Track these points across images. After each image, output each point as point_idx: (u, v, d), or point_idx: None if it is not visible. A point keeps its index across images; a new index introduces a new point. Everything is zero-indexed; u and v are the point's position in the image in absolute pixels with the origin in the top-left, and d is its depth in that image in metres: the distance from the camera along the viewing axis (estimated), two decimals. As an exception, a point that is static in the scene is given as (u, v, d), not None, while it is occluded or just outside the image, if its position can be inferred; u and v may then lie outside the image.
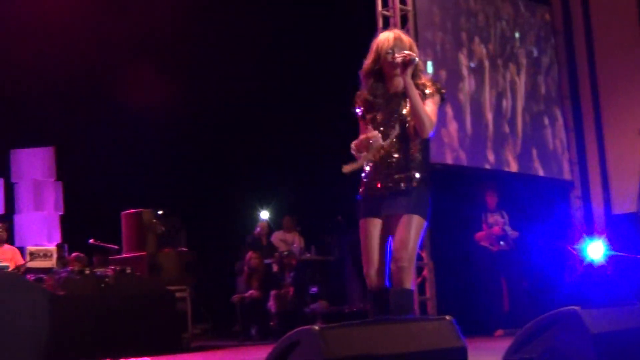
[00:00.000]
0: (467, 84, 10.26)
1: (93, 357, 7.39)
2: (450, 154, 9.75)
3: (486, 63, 10.68)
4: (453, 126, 9.82)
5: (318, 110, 11.87)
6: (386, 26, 9.55)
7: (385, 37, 4.34)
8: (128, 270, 8.66)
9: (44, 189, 13.08)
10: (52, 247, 9.26)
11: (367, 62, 4.37)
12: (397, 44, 4.27)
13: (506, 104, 10.86)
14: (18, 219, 12.87)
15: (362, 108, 4.38)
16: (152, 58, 12.26)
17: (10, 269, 8.33)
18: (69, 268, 8.59)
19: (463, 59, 10.29)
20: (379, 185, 4.22)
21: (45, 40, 12.19)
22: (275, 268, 11.14)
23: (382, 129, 4.22)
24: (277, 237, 11.90)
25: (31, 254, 8.45)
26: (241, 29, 12.08)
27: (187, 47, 12.63)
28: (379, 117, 4.28)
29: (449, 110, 9.76)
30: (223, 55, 12.30)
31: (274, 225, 12.92)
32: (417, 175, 4.21)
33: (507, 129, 10.78)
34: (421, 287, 9.31)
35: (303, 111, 12.08)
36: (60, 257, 10.55)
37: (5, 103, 12.18)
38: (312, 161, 11.97)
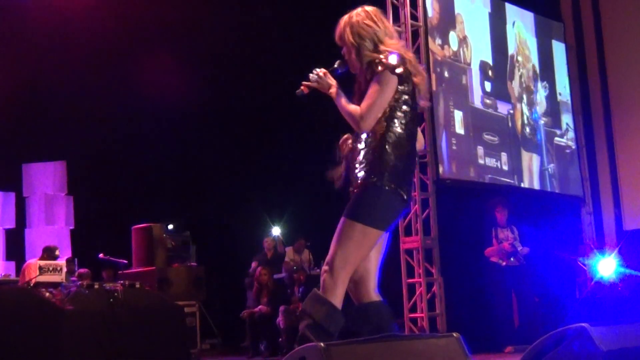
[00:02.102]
0: (479, 99, 10.25)
1: (102, 372, 7.37)
2: (461, 168, 9.72)
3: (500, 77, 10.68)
4: (462, 141, 9.81)
5: (332, 126, 11.84)
6: (396, 42, 9.55)
7: None
8: (137, 285, 8.63)
9: (55, 203, 13.13)
10: (61, 262, 9.25)
11: None
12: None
13: (519, 119, 10.84)
14: (29, 233, 12.91)
15: None
16: (163, 74, 12.28)
17: (19, 283, 8.32)
18: (78, 282, 8.58)
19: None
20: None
21: (56, 56, 12.25)
22: (285, 276, 11.11)
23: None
24: (287, 254, 11.89)
25: (40, 268, 8.44)
26: (255, 49, 12.11)
27: (200, 62, 12.66)
28: None
29: (457, 125, 9.75)
30: (235, 71, 12.33)
31: (286, 240, 12.91)
32: (362, 174, 3.78)
33: (517, 144, 10.75)
34: (431, 303, 9.27)
35: (316, 127, 12.09)
36: (70, 272, 10.57)
37: (17, 118, 12.25)
38: (324, 177, 11.93)
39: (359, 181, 3.78)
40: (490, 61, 10.59)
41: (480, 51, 10.43)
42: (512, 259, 9.11)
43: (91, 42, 12.29)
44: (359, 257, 3.75)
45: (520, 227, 9.28)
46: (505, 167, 10.38)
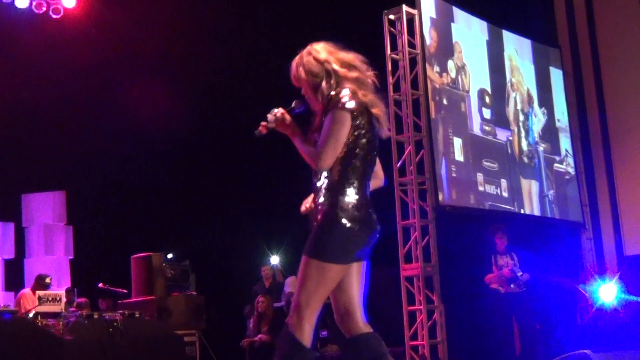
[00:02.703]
0: (478, 126, 10.28)
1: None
2: (460, 195, 9.73)
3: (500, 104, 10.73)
4: (461, 168, 9.82)
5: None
6: (395, 70, 9.61)
7: None
8: (137, 315, 8.60)
9: (54, 233, 13.10)
10: (60, 292, 9.22)
11: None
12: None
13: (517, 145, 10.86)
14: (28, 263, 12.87)
15: None
16: (161, 105, 12.32)
17: (19, 314, 8.28)
18: (78, 312, 8.54)
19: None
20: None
21: (55, 86, 12.30)
22: (285, 309, 11.06)
23: None
24: (289, 282, 11.84)
25: (40, 298, 8.41)
26: (252, 76, 12.16)
27: (198, 91, 12.70)
28: None
29: (456, 152, 9.77)
30: (235, 99, 12.38)
31: (285, 269, 12.88)
32: (321, 211, 3.77)
33: (517, 170, 10.77)
34: (432, 330, 9.23)
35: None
36: (69, 302, 10.53)
37: (17, 148, 12.26)
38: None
39: (318, 217, 3.77)
40: (488, 88, 10.64)
41: (478, 78, 10.49)
42: (512, 285, 9.08)
43: (90, 72, 12.34)
44: (322, 294, 3.71)
45: (520, 253, 9.26)
46: (505, 194, 10.39)
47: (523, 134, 11.05)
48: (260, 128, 4.00)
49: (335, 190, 3.74)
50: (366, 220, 3.74)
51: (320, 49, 3.96)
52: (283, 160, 12.96)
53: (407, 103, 9.51)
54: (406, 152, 9.46)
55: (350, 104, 3.74)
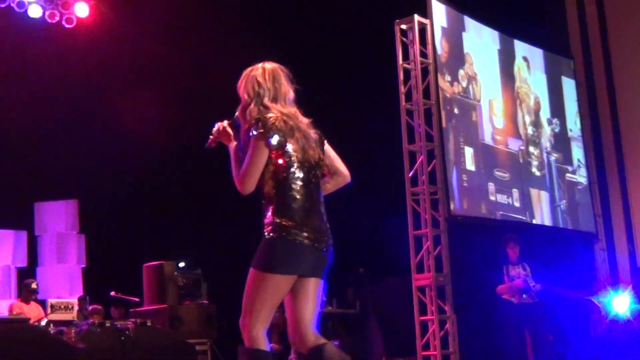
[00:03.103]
0: (489, 135, 10.27)
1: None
2: (472, 205, 9.71)
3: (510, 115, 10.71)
4: (473, 177, 9.81)
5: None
6: (407, 79, 9.61)
7: None
8: (149, 323, 8.62)
9: (66, 242, 13.14)
10: (73, 300, 9.27)
11: None
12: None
13: (530, 154, 10.84)
14: (41, 272, 12.91)
15: None
16: (170, 114, 12.36)
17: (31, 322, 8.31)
18: (90, 321, 8.56)
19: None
20: None
21: (67, 95, 12.36)
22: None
23: None
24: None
25: (52, 306, 8.46)
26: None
27: (207, 102, 12.73)
28: None
29: (468, 162, 9.76)
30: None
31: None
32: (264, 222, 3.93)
33: (528, 180, 10.74)
34: (444, 341, 9.20)
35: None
36: (81, 310, 10.56)
37: (29, 157, 12.32)
38: (334, 214, 11.93)
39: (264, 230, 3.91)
40: (499, 98, 10.63)
41: (489, 88, 10.48)
42: (524, 296, 9.04)
43: (102, 81, 12.41)
44: (268, 302, 3.81)
45: (533, 263, 9.22)
46: (517, 204, 10.36)
47: (533, 143, 11.03)
48: (209, 141, 4.12)
49: (271, 205, 3.88)
50: (304, 236, 3.83)
51: (268, 72, 4.01)
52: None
53: (419, 113, 9.50)
54: (418, 162, 9.45)
55: (271, 135, 3.81)
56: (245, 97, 3.98)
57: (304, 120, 4.01)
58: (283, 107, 3.93)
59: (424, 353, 9.19)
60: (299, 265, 3.83)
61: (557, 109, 11.64)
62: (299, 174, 3.89)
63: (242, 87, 4.01)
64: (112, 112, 12.54)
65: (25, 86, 12.03)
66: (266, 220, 3.88)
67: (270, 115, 3.86)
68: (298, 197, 3.87)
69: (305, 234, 3.83)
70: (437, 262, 9.29)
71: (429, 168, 9.42)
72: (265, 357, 3.79)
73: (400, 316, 10.15)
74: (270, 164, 3.86)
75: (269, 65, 4.05)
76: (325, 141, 4.11)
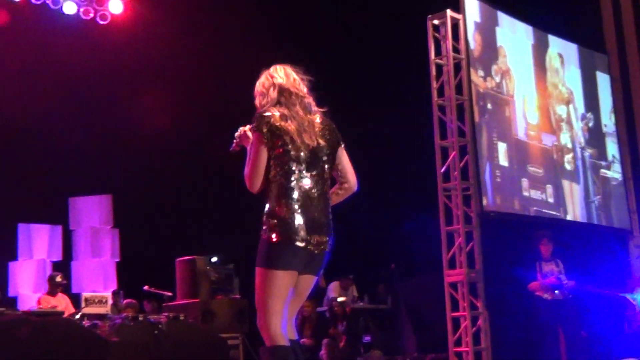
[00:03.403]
0: (523, 130, 10.20)
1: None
2: (505, 201, 9.66)
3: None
4: (506, 173, 9.75)
5: (370, 158, 11.88)
6: (439, 75, 9.57)
7: None
8: (181, 317, 8.68)
9: (101, 236, 13.28)
10: (107, 294, 9.36)
11: None
12: None
13: (561, 150, 10.75)
14: (75, 266, 13.06)
15: None
16: (203, 110, 12.42)
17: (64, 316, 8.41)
18: (123, 314, 8.65)
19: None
20: None
21: (102, 91, 12.48)
22: (327, 314, 11.08)
23: None
24: (332, 287, 11.84)
25: (86, 300, 8.55)
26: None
27: (242, 98, 12.78)
28: None
29: (501, 157, 9.70)
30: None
31: (326, 274, 12.86)
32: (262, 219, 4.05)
33: (562, 176, 10.66)
34: (476, 337, 9.16)
35: (355, 159, 12.11)
36: (115, 304, 10.66)
37: (64, 153, 12.45)
38: (365, 209, 11.93)
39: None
40: (533, 93, 10.55)
41: (523, 83, 10.40)
42: (556, 292, 8.97)
43: (136, 76, 12.51)
44: (277, 296, 3.94)
45: (566, 260, 9.15)
46: (550, 200, 10.28)
47: (567, 139, 10.93)
48: (233, 145, 4.22)
49: (267, 203, 4.02)
50: (298, 238, 3.91)
51: (270, 72, 4.15)
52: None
53: (452, 108, 9.46)
54: (450, 158, 9.42)
55: (262, 125, 3.95)
56: (257, 104, 4.15)
57: (315, 121, 4.09)
58: (286, 110, 4.02)
59: (456, 349, 9.16)
60: (293, 262, 3.93)
61: (592, 104, 11.52)
62: (297, 173, 3.97)
63: (255, 95, 4.18)
64: (146, 107, 12.63)
65: (60, 83, 12.17)
66: (264, 218, 4.01)
67: (266, 113, 3.99)
68: (294, 196, 3.95)
69: (302, 234, 3.91)
70: (469, 258, 9.25)
71: (461, 164, 9.38)
72: (284, 352, 3.88)
73: (431, 312, 10.13)
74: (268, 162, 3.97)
75: (275, 66, 4.18)
76: (342, 146, 4.17)
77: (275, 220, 3.93)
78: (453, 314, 9.23)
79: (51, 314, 7.86)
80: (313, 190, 3.99)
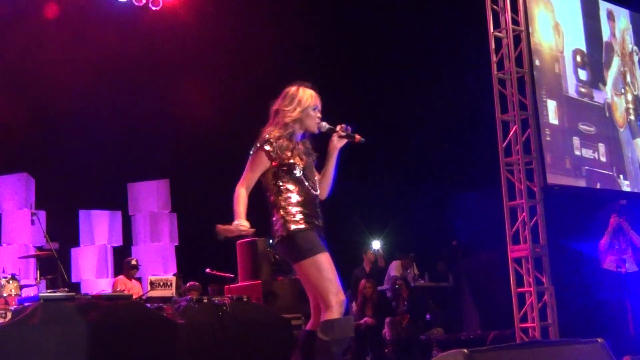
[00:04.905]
0: (573, 87, 9.94)
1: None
2: (556, 160, 9.38)
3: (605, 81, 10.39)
4: (556, 131, 9.50)
5: (430, 137, 11.79)
6: (499, 48, 9.42)
7: (309, 94, 4.78)
8: (245, 299, 8.70)
9: (159, 221, 13.39)
10: (171, 277, 9.41)
11: (293, 110, 4.73)
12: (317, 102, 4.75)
13: (617, 109, 10.48)
14: (135, 250, 13.19)
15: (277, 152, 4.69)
16: (257, 92, 12.39)
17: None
18: (188, 297, 8.69)
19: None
20: (317, 222, 4.63)
21: (157, 77, 12.53)
22: (389, 293, 11.05)
23: (306, 172, 4.70)
24: (394, 266, 11.80)
25: (151, 283, 8.60)
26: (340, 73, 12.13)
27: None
28: (300, 163, 4.69)
29: (550, 115, 9.47)
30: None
31: (385, 254, 12.83)
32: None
33: (616, 134, 10.39)
34: (542, 313, 9.05)
35: (414, 140, 12.02)
36: (177, 287, 10.74)
37: (122, 139, 12.56)
38: (426, 188, 11.87)
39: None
40: (584, 48, 10.25)
41: (573, 38, 10.10)
42: (627, 264, 8.80)
43: (191, 62, 12.54)
44: (332, 276, 4.52)
45: (636, 232, 8.95)
46: (603, 159, 10.01)
47: (624, 97, 10.63)
48: (357, 137, 4.93)
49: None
50: (309, 222, 4.59)
51: (286, 92, 4.83)
52: (385, 143, 12.97)
53: (512, 81, 9.32)
54: (512, 132, 9.28)
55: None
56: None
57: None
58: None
59: (522, 325, 9.06)
60: (320, 244, 4.53)
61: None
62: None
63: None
64: (200, 92, 12.66)
65: (116, 70, 12.23)
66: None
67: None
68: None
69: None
70: (533, 233, 9.12)
71: (523, 138, 9.24)
72: (349, 320, 4.52)
73: (496, 288, 10.03)
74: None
75: (296, 85, 4.84)
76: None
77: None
78: (518, 289, 9.13)
79: (120, 298, 7.92)
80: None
